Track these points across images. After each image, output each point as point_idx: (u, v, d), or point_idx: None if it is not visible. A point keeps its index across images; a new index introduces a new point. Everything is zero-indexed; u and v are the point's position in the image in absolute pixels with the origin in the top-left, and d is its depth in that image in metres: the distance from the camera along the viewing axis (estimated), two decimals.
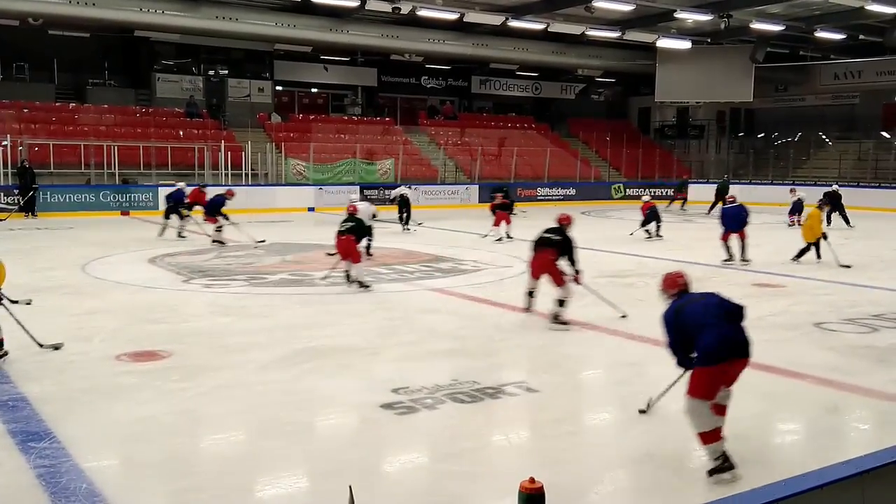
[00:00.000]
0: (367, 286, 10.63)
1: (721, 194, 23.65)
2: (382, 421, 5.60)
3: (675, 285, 5.23)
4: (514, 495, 3.05)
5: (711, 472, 4.66)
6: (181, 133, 26.54)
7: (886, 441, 4.59)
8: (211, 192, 16.99)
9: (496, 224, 17.18)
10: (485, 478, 4.78)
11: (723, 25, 26.61)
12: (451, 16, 25.68)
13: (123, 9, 23.56)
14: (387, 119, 32.83)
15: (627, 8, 24.48)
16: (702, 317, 4.80)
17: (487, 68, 34.68)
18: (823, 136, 33.69)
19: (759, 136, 36.40)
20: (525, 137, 33.98)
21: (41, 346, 7.17)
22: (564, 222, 9.10)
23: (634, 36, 29.00)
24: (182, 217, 16.51)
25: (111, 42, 27.82)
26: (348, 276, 10.87)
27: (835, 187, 20.90)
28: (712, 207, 24.65)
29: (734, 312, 4.81)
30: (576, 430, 5.69)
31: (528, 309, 9.04)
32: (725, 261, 13.59)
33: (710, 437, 4.67)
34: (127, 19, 24.09)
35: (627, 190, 32.14)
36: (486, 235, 17.17)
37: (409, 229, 19.05)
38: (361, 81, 33.91)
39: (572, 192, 30.93)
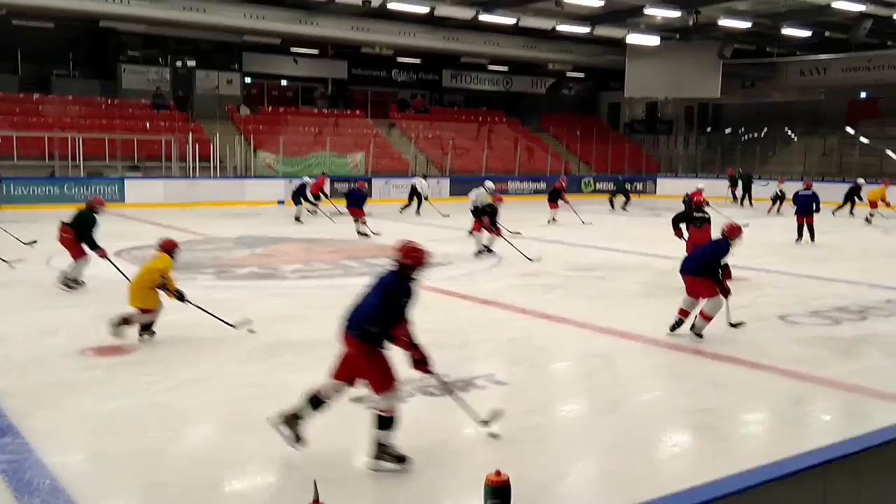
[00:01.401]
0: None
1: (748, 186, 26.11)
2: (354, 414, 5.59)
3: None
4: (481, 488, 3.06)
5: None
6: (148, 125, 26.20)
7: (849, 431, 4.67)
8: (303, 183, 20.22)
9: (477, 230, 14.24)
10: (453, 470, 4.80)
11: (691, 22, 26.83)
12: (422, 9, 25.60)
13: None
14: (357, 112, 32.69)
15: (597, 3, 24.59)
16: None
17: (458, 62, 34.65)
18: (789, 132, 34.18)
19: (727, 131, 36.84)
20: (496, 131, 34.04)
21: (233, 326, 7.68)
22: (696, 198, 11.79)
23: (604, 31, 29.14)
24: (312, 204, 19.97)
25: (77, 32, 27.33)
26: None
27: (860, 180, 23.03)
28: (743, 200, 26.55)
29: None
30: (545, 422, 5.73)
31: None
32: (797, 240, 15.68)
33: None
34: (93, 10, 23.66)
35: (597, 184, 32.36)
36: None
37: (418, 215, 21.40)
38: (332, 74, 33.71)
39: (543, 185, 31.04)
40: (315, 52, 32.21)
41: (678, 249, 14.43)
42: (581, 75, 39.02)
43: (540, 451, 5.06)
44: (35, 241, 13.16)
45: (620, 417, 5.79)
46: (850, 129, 32.21)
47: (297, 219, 19.26)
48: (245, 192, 24.78)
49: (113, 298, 9.51)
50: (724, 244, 7.89)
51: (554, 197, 20.49)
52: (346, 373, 4.92)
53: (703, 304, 7.81)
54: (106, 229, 14.09)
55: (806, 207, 15.74)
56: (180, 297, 7.61)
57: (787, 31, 28.88)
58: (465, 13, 26.19)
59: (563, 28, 28.24)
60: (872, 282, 11.30)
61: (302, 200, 19.68)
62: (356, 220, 16.46)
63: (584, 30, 28.66)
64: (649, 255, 14.02)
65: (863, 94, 34.32)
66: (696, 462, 5.09)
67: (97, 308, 8.98)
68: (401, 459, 4.76)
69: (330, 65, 33.19)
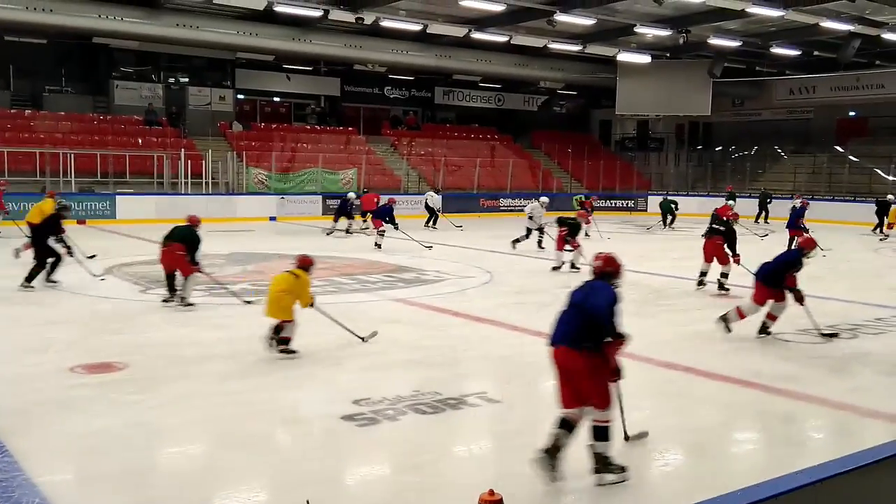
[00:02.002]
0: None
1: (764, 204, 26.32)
2: (343, 432, 5.56)
3: None
4: None
5: None
6: (140, 141, 26.18)
7: (841, 450, 4.68)
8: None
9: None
10: (445, 490, 4.77)
11: (681, 40, 27.06)
12: (415, 27, 25.75)
13: (82, 15, 23.20)
14: (350, 129, 32.76)
15: (589, 22, 24.78)
16: None
17: (451, 79, 34.80)
18: (779, 150, 34.40)
19: (717, 149, 37.04)
20: (488, 148, 34.15)
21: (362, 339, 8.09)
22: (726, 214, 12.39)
23: (596, 49, 29.36)
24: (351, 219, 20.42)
25: (69, 48, 27.33)
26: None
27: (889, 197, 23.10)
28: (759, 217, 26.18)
29: None
30: (537, 440, 5.68)
31: (701, 284, 12.03)
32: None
33: None
34: (85, 26, 23.73)
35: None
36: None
37: (434, 228, 22.21)
38: (324, 91, 33.79)
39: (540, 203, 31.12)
40: (308, 68, 32.30)
41: (668, 267, 14.52)
42: (573, 93, 39.22)
43: (532, 471, 5.03)
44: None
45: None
46: (839, 148, 32.44)
47: (348, 231, 20.32)
48: (237, 209, 24.74)
49: (101, 315, 9.49)
50: (795, 255, 8.90)
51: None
52: (573, 396, 4.86)
53: (769, 306, 8.68)
54: (97, 245, 14.14)
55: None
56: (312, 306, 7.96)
57: (777, 51, 29.18)
58: (458, 31, 26.36)
59: (555, 46, 28.45)
60: (863, 300, 11.34)
61: (345, 217, 20.44)
62: (377, 231, 17.97)
63: (575, 48, 28.88)
64: (640, 272, 14.02)
65: (851, 113, 34.59)
66: (687, 481, 5.08)
67: (87, 325, 8.95)
68: (622, 469, 4.75)
69: (323, 81, 33.27)
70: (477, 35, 26.60)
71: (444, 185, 29.72)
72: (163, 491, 4.64)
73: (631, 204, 33.25)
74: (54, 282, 11.41)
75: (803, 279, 13.55)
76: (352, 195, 21.29)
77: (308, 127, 32.41)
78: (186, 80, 29.86)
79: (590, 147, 37.04)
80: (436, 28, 25.96)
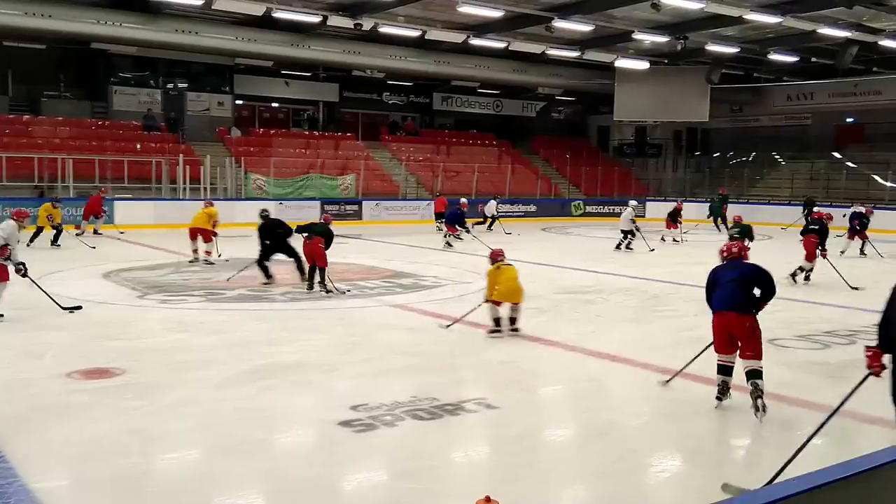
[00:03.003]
0: None
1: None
2: (341, 438, 5.55)
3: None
4: None
5: None
6: (138, 146, 26.18)
7: (838, 456, 4.67)
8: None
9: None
10: (443, 496, 4.76)
11: (679, 47, 27.12)
12: (413, 33, 25.79)
13: (80, 21, 23.19)
14: (348, 134, 32.79)
15: (587, 28, 24.83)
16: None
17: (449, 85, 34.85)
18: (777, 156, 34.47)
19: (715, 155, 37.11)
20: (486, 154, 34.18)
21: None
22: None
23: (593, 56, 29.42)
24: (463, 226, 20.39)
25: (67, 54, 27.37)
26: None
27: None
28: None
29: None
30: (535, 446, 5.70)
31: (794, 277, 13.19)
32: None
33: None
34: (83, 31, 23.72)
35: (587, 207, 32.49)
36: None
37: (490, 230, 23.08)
38: (323, 96, 33.83)
39: (533, 208, 31.17)
40: (307, 74, 32.35)
41: (667, 273, 14.53)
42: (571, 99, 39.31)
43: (530, 477, 5.03)
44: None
45: (610, 442, 5.76)
46: (836, 154, 32.50)
47: (458, 236, 20.21)
48: (235, 214, 24.70)
49: (98, 321, 9.47)
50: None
51: (674, 216, 22.01)
52: (734, 347, 6.39)
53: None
54: (95, 251, 14.14)
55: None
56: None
57: (774, 57, 29.23)
58: (456, 37, 26.40)
59: (553, 52, 28.50)
60: (860, 306, 11.34)
61: (459, 225, 20.47)
62: (447, 234, 19.19)
63: (573, 54, 28.94)
64: (639, 278, 14.05)
65: (849, 119, 34.67)
66: (684, 487, 5.07)
67: (84, 331, 8.93)
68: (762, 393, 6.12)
69: (321, 87, 33.31)
70: (475, 41, 26.65)
71: (442, 191, 29.77)
72: (159, 498, 4.63)
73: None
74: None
75: (799, 284, 13.60)
76: (464, 200, 21.99)
77: (307, 132, 32.45)
78: (185, 85, 29.90)
79: (588, 153, 37.11)
80: (434, 34, 26.00)
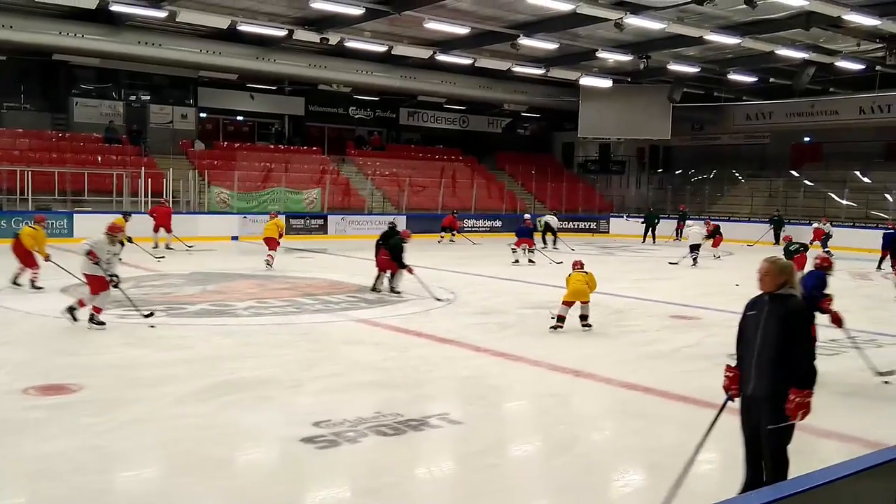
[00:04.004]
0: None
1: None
2: (303, 455, 5.50)
3: None
4: None
5: None
6: (99, 159, 25.78)
7: (796, 469, 4.74)
8: None
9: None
10: None
11: (642, 66, 27.56)
12: (380, 48, 25.85)
13: (42, 32, 22.85)
14: (314, 148, 32.67)
15: (552, 46, 25.11)
16: None
17: (415, 100, 34.95)
18: (737, 174, 35.10)
19: (677, 172, 37.68)
20: (452, 169, 34.29)
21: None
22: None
23: (558, 73, 29.76)
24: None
25: (28, 65, 26.90)
26: None
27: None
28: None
29: None
30: (499, 462, 5.70)
31: None
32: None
33: None
34: (45, 42, 23.36)
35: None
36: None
37: (556, 248, 23.60)
38: (288, 110, 33.69)
39: (498, 224, 31.29)
40: (272, 88, 32.20)
41: (630, 288, 14.67)
42: (536, 115, 39.65)
43: (494, 493, 5.02)
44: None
45: (574, 457, 5.79)
46: (794, 172, 33.19)
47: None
48: (198, 228, 24.46)
49: (55, 336, 9.28)
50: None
51: (715, 234, 22.45)
52: None
53: None
54: (48, 264, 13.79)
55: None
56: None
57: (734, 77, 29.85)
58: (423, 52, 26.53)
59: (519, 69, 28.77)
60: (817, 321, 11.54)
61: (528, 241, 20.42)
62: (526, 249, 19.73)
63: (538, 71, 29.25)
64: (602, 293, 14.14)
65: (806, 139, 35.46)
66: (647, 502, 5.10)
67: (41, 346, 8.75)
68: None
69: (287, 101, 33.17)
70: (442, 57, 26.80)
71: (408, 206, 29.79)
72: None
73: (593, 225, 33.63)
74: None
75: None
76: (527, 216, 22.74)
77: (272, 146, 32.26)
78: (148, 97, 29.58)
79: (553, 169, 37.42)
80: (401, 49, 26.09)
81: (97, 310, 9.63)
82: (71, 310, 9.66)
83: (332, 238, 26.16)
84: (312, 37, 24.13)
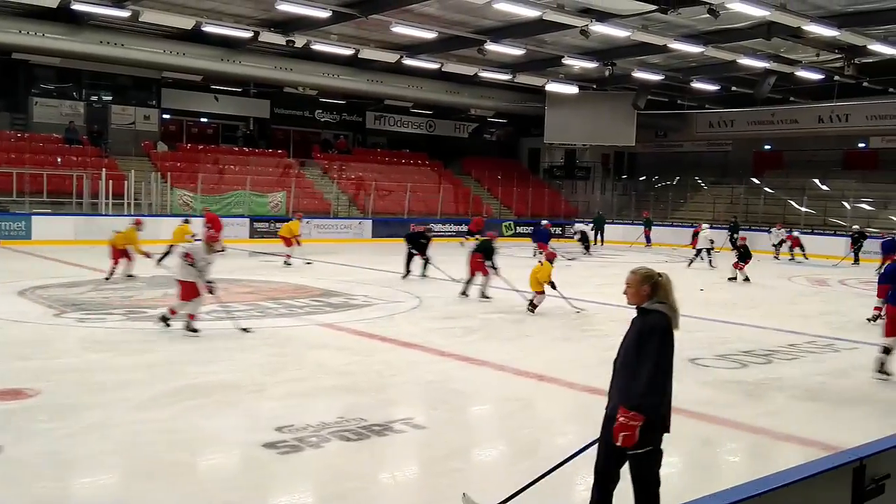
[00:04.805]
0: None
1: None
2: (265, 460, 5.44)
3: None
4: None
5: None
6: (59, 160, 25.34)
7: (755, 472, 4.81)
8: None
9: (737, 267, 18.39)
10: None
11: (607, 73, 27.84)
12: (346, 51, 25.78)
13: (1, 30, 22.39)
14: (279, 151, 32.45)
15: (518, 52, 25.26)
16: None
17: (382, 104, 34.91)
18: (699, 181, 35.61)
19: (641, 178, 38.12)
20: (419, 174, 34.29)
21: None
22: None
23: (525, 79, 29.94)
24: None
25: None
26: None
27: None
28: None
29: None
30: (463, 466, 5.70)
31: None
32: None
33: None
34: (4, 41, 22.89)
35: (518, 227, 32.87)
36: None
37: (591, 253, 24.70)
38: (253, 112, 33.44)
39: (464, 228, 31.32)
40: (237, 90, 31.93)
41: (593, 293, 14.78)
42: (503, 121, 39.84)
43: (458, 497, 5.01)
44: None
45: (538, 461, 5.79)
46: (755, 179, 33.76)
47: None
48: (160, 231, 24.10)
49: (11, 339, 9.09)
50: None
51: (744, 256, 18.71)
52: None
53: None
54: (11, 267, 13.62)
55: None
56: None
57: (697, 85, 30.30)
58: (389, 57, 26.51)
59: (486, 75, 28.88)
60: (777, 327, 11.76)
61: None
62: (540, 252, 19.97)
63: (505, 77, 29.40)
64: (566, 298, 14.24)
65: (767, 147, 36.10)
66: None
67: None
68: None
69: (252, 103, 32.93)
70: (408, 61, 26.80)
71: (374, 210, 29.72)
72: None
73: (559, 231, 33.83)
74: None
75: (719, 305, 14.03)
76: (545, 221, 23.87)
77: (236, 149, 31.97)
78: (110, 98, 29.15)
79: (519, 174, 37.61)
80: (367, 53, 26.05)
81: (192, 316, 9.71)
82: (164, 319, 9.76)
83: (306, 242, 25.95)
84: (278, 39, 23.99)
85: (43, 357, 8.31)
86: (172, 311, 9.76)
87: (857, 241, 24.05)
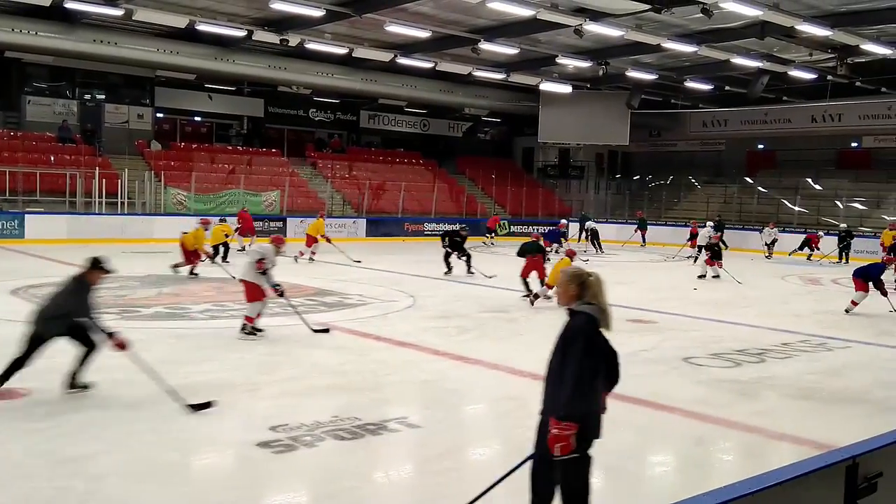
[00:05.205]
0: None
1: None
2: (259, 460, 5.44)
3: None
4: None
5: None
6: (52, 158, 25.25)
7: (749, 471, 4.83)
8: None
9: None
10: None
11: (601, 72, 27.87)
12: (341, 50, 25.74)
13: None
14: (273, 150, 32.39)
15: (512, 51, 25.26)
16: None
17: (376, 103, 34.88)
18: (693, 180, 35.68)
19: (635, 177, 38.18)
20: (413, 173, 34.27)
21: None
22: None
23: (519, 78, 29.94)
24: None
25: None
26: None
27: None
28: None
29: None
30: (457, 465, 5.70)
31: None
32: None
33: None
34: None
35: (512, 227, 32.88)
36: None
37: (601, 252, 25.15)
38: (247, 111, 33.37)
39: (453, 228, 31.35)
40: (231, 89, 31.85)
41: None
42: (497, 120, 39.84)
43: (452, 496, 5.01)
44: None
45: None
46: (748, 179, 33.85)
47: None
48: (154, 230, 24.08)
49: (3, 339, 9.04)
50: None
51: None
52: None
53: None
54: (4, 266, 13.57)
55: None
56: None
57: (691, 85, 30.35)
58: (383, 56, 26.49)
59: (480, 74, 28.88)
60: (770, 326, 11.79)
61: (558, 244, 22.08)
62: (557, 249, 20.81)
63: (499, 76, 29.40)
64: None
65: (760, 146, 36.19)
66: None
67: None
68: None
69: (246, 102, 32.86)
70: (402, 60, 26.78)
71: (368, 209, 29.70)
72: None
73: (465, 232, 33.72)
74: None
75: (712, 304, 14.07)
76: (563, 221, 24.91)
77: (230, 148, 31.90)
78: (103, 96, 29.04)
79: (513, 173, 37.62)
80: (361, 52, 26.02)
81: (251, 319, 9.65)
82: (244, 328, 9.66)
83: (291, 241, 25.86)
84: (272, 38, 23.94)
85: (36, 356, 8.26)
86: (249, 319, 9.66)
87: (844, 239, 24.12)
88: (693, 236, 24.01)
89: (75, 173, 24.29)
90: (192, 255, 15.47)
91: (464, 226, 19.36)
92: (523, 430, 6.64)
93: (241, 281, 9.80)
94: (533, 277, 13.60)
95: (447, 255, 17.36)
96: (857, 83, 27.47)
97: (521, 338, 10.44)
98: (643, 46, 24.12)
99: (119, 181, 24.69)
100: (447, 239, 17.57)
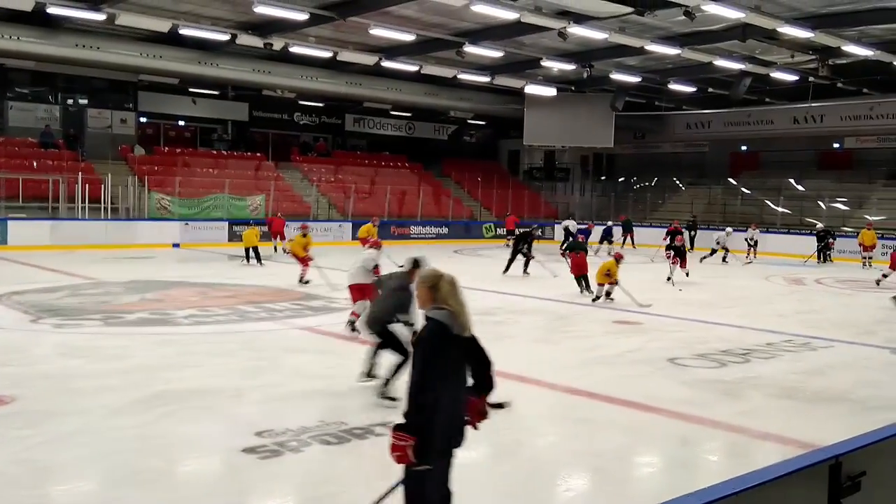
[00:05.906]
0: None
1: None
2: (245, 466, 5.41)
3: None
4: None
5: None
6: (34, 164, 25.07)
7: (734, 471, 4.85)
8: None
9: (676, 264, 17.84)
10: None
11: (585, 75, 27.96)
12: (325, 54, 25.69)
13: None
14: (258, 154, 32.28)
15: (497, 54, 25.30)
16: None
17: (361, 107, 34.84)
18: (677, 181, 35.86)
19: (620, 179, 38.32)
20: (398, 176, 34.26)
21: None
22: None
23: (503, 81, 29.99)
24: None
25: None
26: None
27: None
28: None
29: None
30: None
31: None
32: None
33: None
34: None
35: (498, 229, 32.93)
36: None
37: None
38: (232, 116, 33.25)
39: (445, 230, 31.38)
40: (215, 93, 31.73)
41: (574, 294, 14.84)
42: (482, 123, 39.88)
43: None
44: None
45: (519, 462, 5.82)
46: (732, 180, 34.05)
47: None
48: (137, 235, 23.94)
49: None
50: None
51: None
52: None
53: None
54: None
55: None
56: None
57: (674, 87, 30.49)
58: (368, 59, 26.45)
59: (465, 77, 28.90)
60: (754, 326, 11.87)
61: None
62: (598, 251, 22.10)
63: (484, 79, 29.43)
64: (545, 299, 14.31)
65: (743, 147, 36.42)
66: None
67: None
68: None
69: (230, 106, 32.74)
70: (387, 64, 26.75)
71: (354, 213, 29.65)
72: None
73: (539, 232, 33.92)
74: None
75: (697, 305, 14.14)
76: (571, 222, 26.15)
77: (214, 152, 31.76)
78: (86, 101, 28.87)
79: (499, 176, 37.69)
80: (346, 56, 25.98)
81: (356, 315, 9.88)
82: (352, 323, 10.03)
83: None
84: (256, 42, 23.84)
85: (19, 363, 8.21)
86: (355, 314, 9.97)
87: (823, 238, 24.28)
88: (670, 234, 23.39)
89: (58, 179, 24.11)
90: (303, 262, 15.75)
91: (535, 227, 20.01)
92: (510, 431, 6.67)
93: (351, 286, 10.05)
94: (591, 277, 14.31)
95: (527, 259, 17.79)
96: (839, 84, 27.68)
97: (508, 340, 10.44)
98: (627, 49, 24.22)
99: (102, 186, 24.53)
100: (527, 241, 17.88)
